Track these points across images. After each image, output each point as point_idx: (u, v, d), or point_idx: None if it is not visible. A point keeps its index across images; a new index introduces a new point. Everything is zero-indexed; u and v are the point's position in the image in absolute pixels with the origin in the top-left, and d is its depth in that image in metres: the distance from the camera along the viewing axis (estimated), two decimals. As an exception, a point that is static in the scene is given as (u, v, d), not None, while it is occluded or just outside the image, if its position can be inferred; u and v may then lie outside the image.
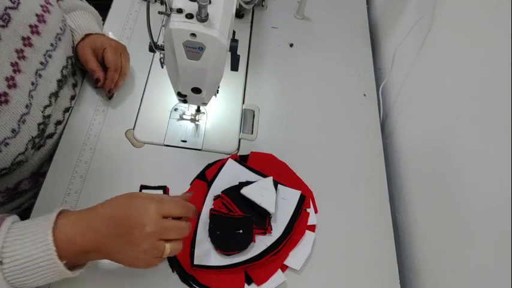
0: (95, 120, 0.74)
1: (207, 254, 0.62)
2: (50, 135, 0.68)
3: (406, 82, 0.82)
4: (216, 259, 0.62)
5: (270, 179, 0.68)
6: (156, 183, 0.68)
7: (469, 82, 0.62)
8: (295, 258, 0.64)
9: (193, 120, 0.76)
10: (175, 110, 0.77)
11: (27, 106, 0.59)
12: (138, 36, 0.86)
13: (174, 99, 0.72)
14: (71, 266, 0.51)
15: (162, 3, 0.53)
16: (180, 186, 0.69)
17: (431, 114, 0.72)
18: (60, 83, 0.68)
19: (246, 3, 0.78)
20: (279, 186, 0.69)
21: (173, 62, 0.57)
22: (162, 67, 0.61)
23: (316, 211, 0.70)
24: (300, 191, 0.69)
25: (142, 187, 0.68)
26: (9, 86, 0.56)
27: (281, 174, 0.72)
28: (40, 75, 0.63)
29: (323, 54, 0.90)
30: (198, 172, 0.71)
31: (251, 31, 0.92)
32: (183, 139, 0.74)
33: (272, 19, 0.95)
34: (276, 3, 0.98)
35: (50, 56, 0.64)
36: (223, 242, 0.62)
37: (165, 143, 0.73)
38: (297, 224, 0.67)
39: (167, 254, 0.52)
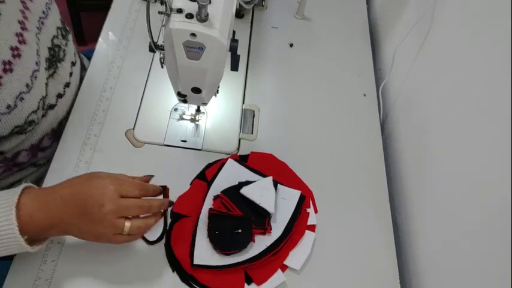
0: (95, 120, 0.74)
1: (207, 254, 0.62)
2: (51, 106, 0.69)
3: (406, 82, 0.82)
4: (216, 259, 0.62)
5: (270, 178, 0.68)
6: (156, 183, 0.68)
7: (469, 82, 0.62)
8: (295, 258, 0.64)
9: (193, 120, 0.76)
10: (175, 110, 0.77)
11: (36, 63, 0.62)
12: (138, 36, 0.86)
13: (174, 99, 0.72)
14: (32, 241, 0.53)
15: (162, 3, 0.53)
16: (180, 186, 0.69)
17: (431, 114, 0.72)
18: (52, 52, 0.69)
19: (246, 3, 0.78)
20: (279, 186, 0.69)
21: (173, 62, 0.57)
22: (162, 67, 0.61)
23: (316, 211, 0.70)
24: (300, 191, 0.69)
25: (142, 187, 0.68)
26: (19, 42, 0.58)
27: (281, 174, 0.72)
28: (38, 39, 0.64)
29: (323, 54, 0.90)
30: (198, 172, 0.71)
31: (251, 31, 0.92)
32: (183, 139, 0.74)
33: (272, 19, 0.95)
34: (276, 3, 0.98)
35: (42, 23, 0.66)
36: (223, 241, 0.62)
37: (165, 143, 0.73)
38: (297, 224, 0.67)
39: (127, 231, 0.55)
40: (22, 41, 0.59)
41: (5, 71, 0.56)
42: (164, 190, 0.68)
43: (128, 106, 0.76)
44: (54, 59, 0.69)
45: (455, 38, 0.67)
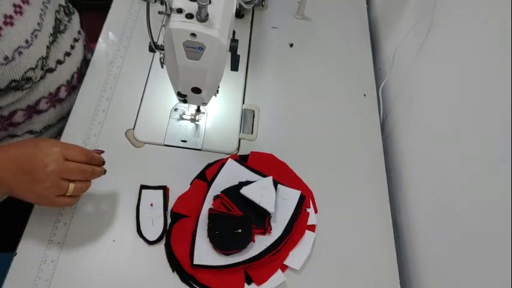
0: (95, 120, 0.74)
1: (207, 254, 0.62)
2: (50, 70, 0.71)
3: (406, 82, 0.82)
4: (216, 259, 0.62)
5: (270, 178, 0.68)
6: (156, 183, 0.68)
7: (469, 82, 0.62)
8: (295, 258, 0.64)
9: (193, 120, 0.76)
10: (175, 110, 0.77)
11: (39, 24, 0.65)
12: (138, 36, 0.86)
13: (174, 99, 0.72)
14: None
15: (162, 3, 0.53)
16: (180, 186, 0.69)
17: (431, 114, 0.72)
18: (53, 23, 0.71)
19: (246, 3, 0.78)
20: (279, 186, 0.69)
21: (173, 62, 0.57)
22: (162, 67, 0.61)
23: (316, 211, 0.70)
24: (300, 191, 0.69)
25: (142, 187, 0.68)
26: (22, 1, 0.62)
27: (281, 174, 0.72)
28: (46, 7, 0.69)
29: (323, 54, 0.90)
30: (198, 172, 0.71)
31: (251, 31, 0.92)
32: (183, 139, 0.74)
33: (272, 19, 0.95)
34: (276, 3, 0.98)
35: (48, 2, 0.70)
36: (222, 241, 0.62)
37: (165, 143, 0.73)
38: (297, 224, 0.67)
39: (71, 192, 0.56)
40: (25, 1, 0.63)
41: (5, 23, 0.59)
42: (164, 190, 0.68)
43: (128, 106, 0.76)
44: (55, 29, 0.72)
45: (455, 38, 0.67)
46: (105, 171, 0.62)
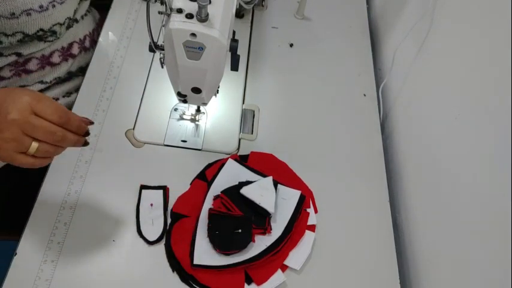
0: (95, 120, 0.74)
1: (207, 254, 0.62)
2: (69, 27, 0.77)
3: (406, 82, 0.82)
4: (216, 259, 0.62)
5: (270, 178, 0.68)
6: (156, 183, 0.68)
7: (469, 82, 0.62)
8: (295, 258, 0.64)
9: (193, 120, 0.76)
10: (175, 110, 0.77)
11: None
12: (138, 36, 0.86)
13: (174, 99, 0.72)
14: None
15: (162, 3, 0.53)
16: (180, 186, 0.69)
17: (431, 114, 0.72)
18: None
19: (246, 3, 0.78)
20: (279, 186, 0.69)
21: (173, 62, 0.57)
22: (162, 67, 0.61)
23: (316, 211, 0.70)
24: (300, 191, 0.69)
25: (142, 187, 0.68)
26: None
27: (281, 174, 0.72)
28: None
29: (323, 54, 0.90)
30: (198, 172, 0.71)
31: (251, 31, 0.92)
32: (183, 139, 0.74)
33: (272, 19, 0.95)
34: (276, 3, 0.98)
35: None
36: (222, 241, 0.62)
37: (165, 143, 0.73)
38: (297, 224, 0.67)
39: (32, 151, 0.50)
40: None
41: None
42: (164, 190, 0.68)
43: (128, 106, 0.76)
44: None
45: (455, 38, 0.67)
46: (86, 143, 0.56)
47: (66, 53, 0.79)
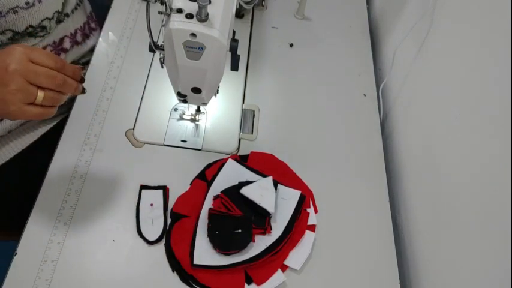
0: (95, 120, 0.74)
1: (207, 254, 0.62)
2: (59, 21, 0.76)
3: (406, 82, 0.82)
4: (216, 259, 0.62)
5: (270, 178, 0.68)
6: (156, 183, 0.68)
7: (469, 82, 0.62)
8: (295, 258, 0.64)
9: (193, 120, 0.76)
10: (175, 110, 0.77)
11: None
12: (138, 36, 0.86)
13: (174, 99, 0.72)
14: None
15: (162, 3, 0.53)
16: (180, 186, 0.69)
17: (431, 114, 0.72)
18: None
19: (246, 3, 0.78)
20: (279, 186, 0.69)
21: (173, 62, 0.57)
22: (162, 67, 0.61)
23: (316, 211, 0.70)
24: (300, 191, 0.69)
25: (142, 187, 0.68)
26: None
27: (281, 174, 0.72)
28: None
29: (323, 54, 0.90)
30: (198, 172, 0.71)
31: (251, 31, 0.92)
32: (183, 139, 0.74)
33: (272, 19, 0.95)
34: (276, 3, 0.98)
35: None
36: (222, 241, 0.62)
37: (165, 143, 0.73)
38: (297, 224, 0.67)
39: (40, 100, 0.51)
40: None
41: None
42: (164, 190, 0.68)
43: (128, 106, 0.77)
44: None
45: (455, 38, 0.67)
46: (84, 90, 0.56)
47: (57, 48, 0.77)
